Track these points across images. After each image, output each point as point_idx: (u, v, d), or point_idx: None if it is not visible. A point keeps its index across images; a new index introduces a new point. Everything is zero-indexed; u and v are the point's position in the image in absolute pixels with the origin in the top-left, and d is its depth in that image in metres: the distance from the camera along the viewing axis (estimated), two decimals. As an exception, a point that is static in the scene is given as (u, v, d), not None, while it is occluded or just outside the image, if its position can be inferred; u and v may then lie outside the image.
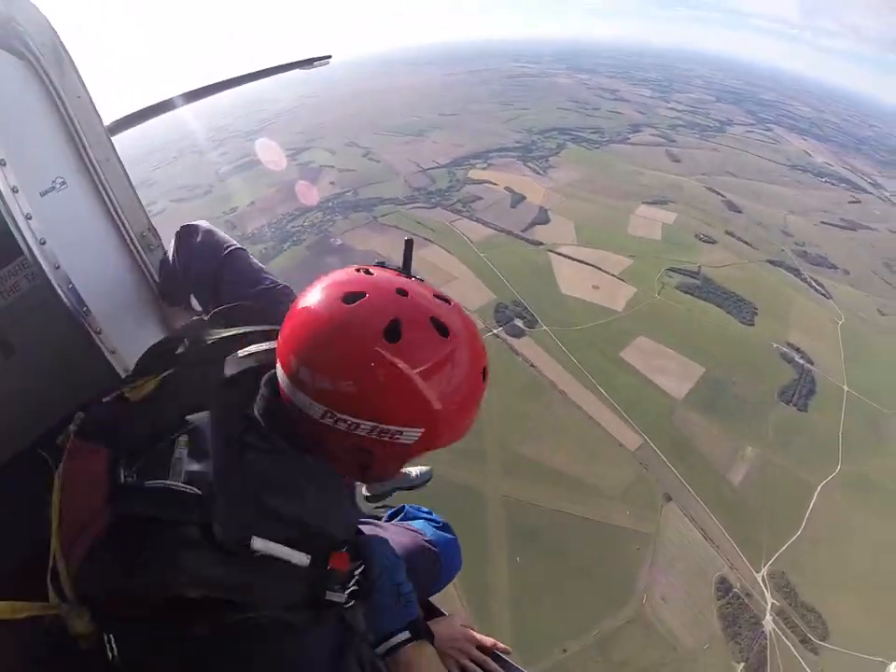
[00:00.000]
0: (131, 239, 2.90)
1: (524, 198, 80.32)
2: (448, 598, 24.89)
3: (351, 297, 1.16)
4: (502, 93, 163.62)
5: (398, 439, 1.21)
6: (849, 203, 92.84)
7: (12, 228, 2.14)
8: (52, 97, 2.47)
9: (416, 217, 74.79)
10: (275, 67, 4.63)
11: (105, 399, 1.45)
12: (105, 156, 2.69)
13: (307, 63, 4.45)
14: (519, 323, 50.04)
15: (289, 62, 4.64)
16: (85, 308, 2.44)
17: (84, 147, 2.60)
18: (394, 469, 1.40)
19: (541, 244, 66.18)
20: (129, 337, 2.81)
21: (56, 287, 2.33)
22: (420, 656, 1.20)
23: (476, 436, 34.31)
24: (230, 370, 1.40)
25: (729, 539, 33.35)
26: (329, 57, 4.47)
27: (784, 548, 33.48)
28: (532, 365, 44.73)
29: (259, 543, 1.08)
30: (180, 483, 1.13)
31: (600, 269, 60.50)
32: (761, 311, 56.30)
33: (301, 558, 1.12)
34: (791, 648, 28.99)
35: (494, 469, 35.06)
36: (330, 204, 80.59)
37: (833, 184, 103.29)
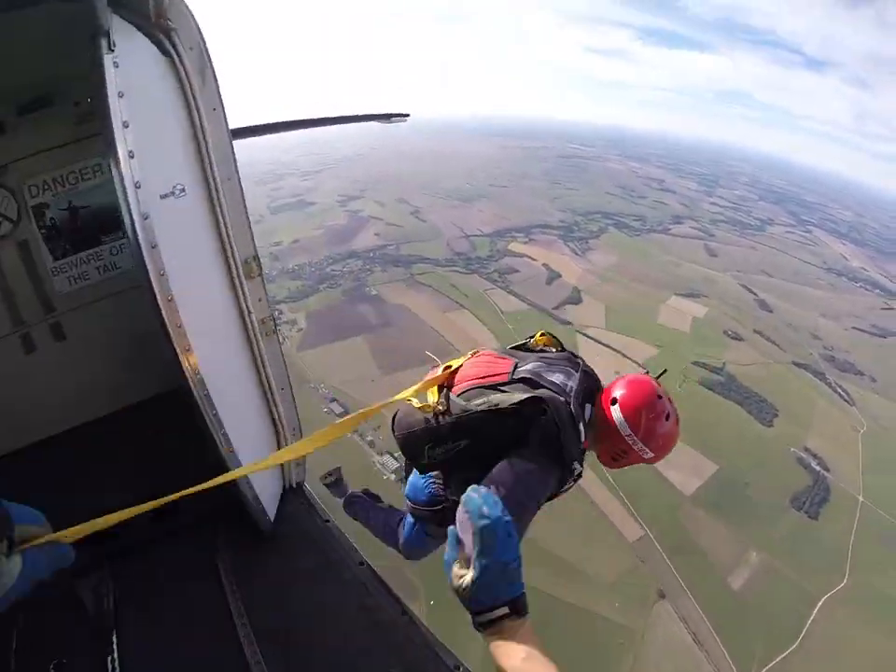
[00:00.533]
0: (235, 263, 2.87)
1: (559, 276, 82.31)
2: None
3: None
4: (553, 172, 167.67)
5: (643, 454, 2.11)
6: (882, 309, 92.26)
7: (126, 223, 2.10)
8: (189, 103, 2.47)
9: (452, 280, 76.99)
10: (354, 116, 5.06)
11: (530, 342, 2.50)
12: (227, 174, 2.70)
13: (385, 117, 4.90)
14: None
15: (369, 113, 5.04)
16: (180, 324, 2.30)
17: (210, 161, 2.61)
18: (622, 466, 2.26)
19: (570, 323, 67.69)
20: (214, 359, 2.64)
21: (157, 294, 2.18)
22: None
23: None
24: (588, 367, 2.25)
25: (720, 645, 32.43)
26: (408, 115, 4.97)
27: (777, 660, 32.39)
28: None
29: (585, 412, 2.05)
30: (557, 382, 2.02)
31: (625, 355, 61.64)
32: (782, 413, 56.02)
33: (584, 436, 1.97)
34: None
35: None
36: (371, 255, 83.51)
37: (866, 289, 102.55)
